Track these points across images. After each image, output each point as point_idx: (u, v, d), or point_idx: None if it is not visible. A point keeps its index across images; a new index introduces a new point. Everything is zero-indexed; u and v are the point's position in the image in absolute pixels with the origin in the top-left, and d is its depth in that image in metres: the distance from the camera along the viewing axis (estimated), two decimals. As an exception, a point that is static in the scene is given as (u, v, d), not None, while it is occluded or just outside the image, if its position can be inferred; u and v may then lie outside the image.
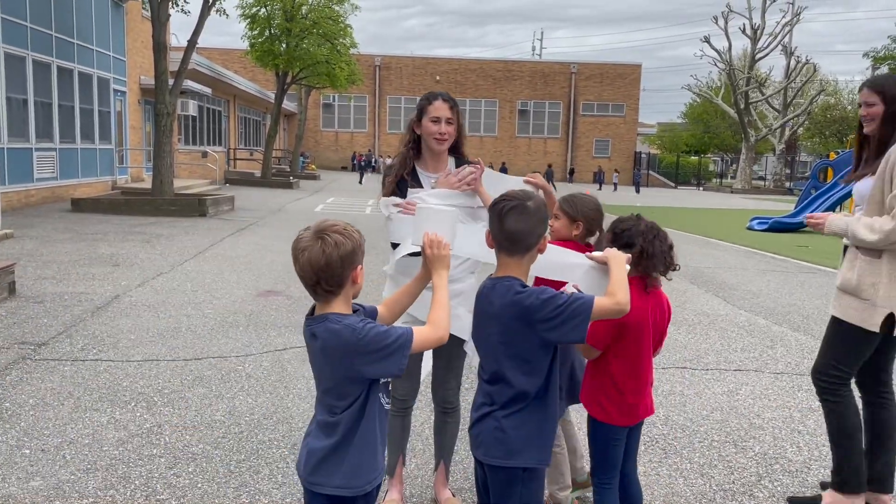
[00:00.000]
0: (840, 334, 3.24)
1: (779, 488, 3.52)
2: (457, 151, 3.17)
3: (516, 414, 2.19)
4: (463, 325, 3.05)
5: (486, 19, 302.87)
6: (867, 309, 3.09)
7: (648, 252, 2.53)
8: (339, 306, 2.01)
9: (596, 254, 2.39)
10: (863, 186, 3.31)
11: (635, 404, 2.62)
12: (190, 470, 3.47)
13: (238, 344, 5.64)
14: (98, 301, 6.85)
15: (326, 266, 1.94)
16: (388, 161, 3.28)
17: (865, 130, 3.35)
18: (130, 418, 4.08)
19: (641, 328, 2.58)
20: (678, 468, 3.71)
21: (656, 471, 3.68)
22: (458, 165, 3.14)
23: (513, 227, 2.17)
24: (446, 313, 2.11)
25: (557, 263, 2.42)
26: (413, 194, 2.99)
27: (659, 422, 4.34)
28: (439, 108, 3.03)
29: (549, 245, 2.35)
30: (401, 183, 3.04)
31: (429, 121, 3.03)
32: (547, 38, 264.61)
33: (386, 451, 3.24)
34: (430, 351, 3.11)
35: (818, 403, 4.71)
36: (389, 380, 2.15)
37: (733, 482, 3.57)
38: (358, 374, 1.99)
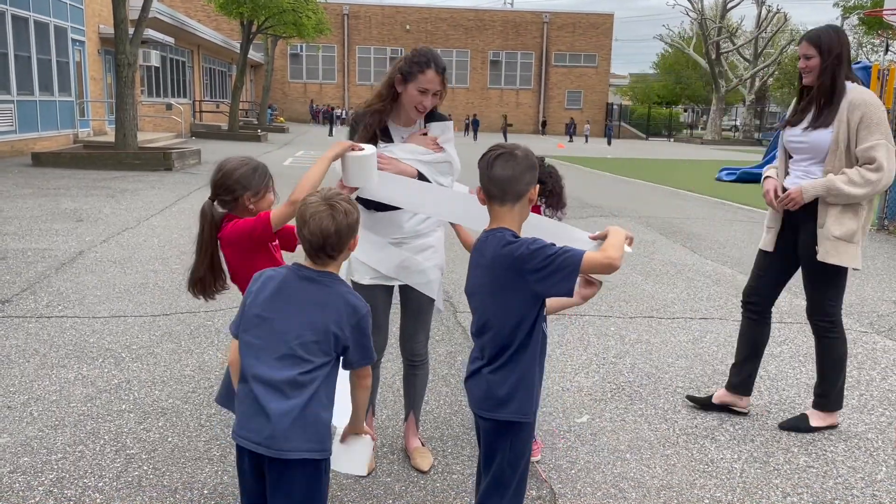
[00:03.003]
0: (837, 277, 3.57)
1: (739, 431, 3.63)
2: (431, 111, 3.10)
3: (502, 367, 2.20)
4: (431, 283, 3.06)
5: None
6: (856, 251, 3.48)
7: (555, 190, 2.85)
8: (333, 270, 2.14)
9: (598, 232, 2.37)
10: (819, 138, 3.40)
11: None
12: (160, 424, 3.47)
13: (207, 299, 5.59)
14: (62, 257, 6.73)
15: (335, 233, 2.06)
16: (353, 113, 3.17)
17: (805, 82, 3.54)
18: (98, 374, 4.05)
19: None
20: (643, 414, 3.80)
21: (622, 417, 3.76)
22: (427, 119, 3.08)
23: (500, 174, 2.16)
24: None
25: (560, 237, 2.40)
26: (383, 148, 2.94)
27: (625, 370, 4.42)
28: (431, 80, 2.84)
29: (551, 220, 2.38)
30: (371, 139, 2.97)
31: (416, 89, 2.85)
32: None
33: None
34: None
35: (779, 350, 4.86)
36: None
37: (696, 426, 3.67)
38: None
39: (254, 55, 36.86)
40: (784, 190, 3.57)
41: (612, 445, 3.44)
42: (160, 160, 14.64)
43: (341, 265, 2.20)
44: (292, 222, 2.35)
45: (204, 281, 2.68)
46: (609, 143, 39.61)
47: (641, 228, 9.69)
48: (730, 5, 45.60)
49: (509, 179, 2.16)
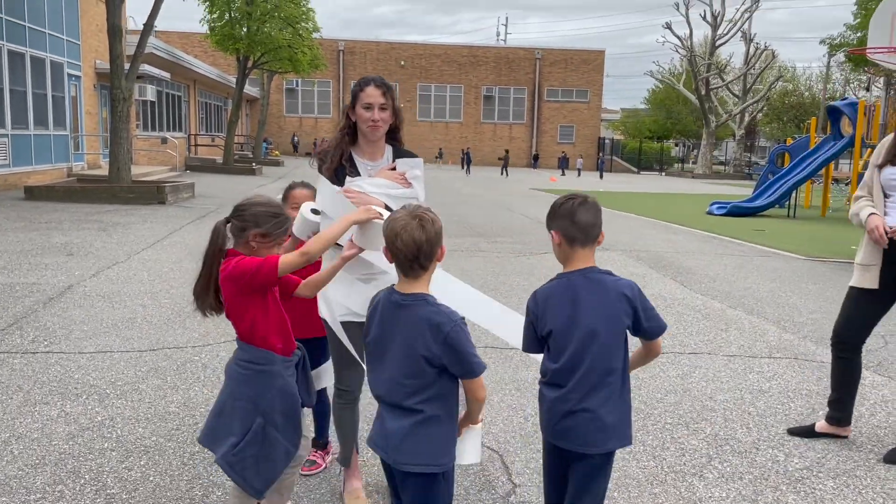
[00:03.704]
0: None
1: (728, 469, 3.60)
2: (394, 137, 3.14)
3: (609, 396, 2.39)
4: None
5: (458, 7, 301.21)
6: None
7: None
8: (426, 283, 2.27)
9: None
10: None
11: None
12: (142, 463, 3.43)
13: (195, 334, 5.57)
14: (50, 292, 6.70)
15: (427, 241, 2.19)
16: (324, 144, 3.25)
17: None
18: (81, 411, 4.01)
19: None
20: (631, 451, 3.77)
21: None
22: (395, 156, 3.12)
23: (585, 219, 2.40)
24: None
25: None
26: (351, 182, 2.97)
27: (614, 406, 4.40)
28: (371, 94, 2.97)
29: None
30: (338, 170, 3.01)
31: (361, 107, 2.97)
32: (515, 25, 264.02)
33: (340, 444, 3.25)
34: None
35: (768, 385, 4.85)
36: None
37: (684, 463, 3.65)
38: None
39: (249, 90, 37.23)
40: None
41: (600, 483, 3.40)
42: (153, 194, 14.68)
43: (429, 280, 2.29)
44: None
45: (200, 297, 2.65)
46: (601, 176, 39.91)
47: (632, 262, 9.72)
48: (718, 42, 46.35)
49: (592, 224, 2.41)
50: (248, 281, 2.49)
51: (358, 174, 3.02)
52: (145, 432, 3.77)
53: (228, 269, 2.53)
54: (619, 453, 3.71)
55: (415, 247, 2.17)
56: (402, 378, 2.21)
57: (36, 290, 6.73)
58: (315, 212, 2.92)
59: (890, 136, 3.86)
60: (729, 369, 5.19)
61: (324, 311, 3.03)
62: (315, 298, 2.95)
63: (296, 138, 49.88)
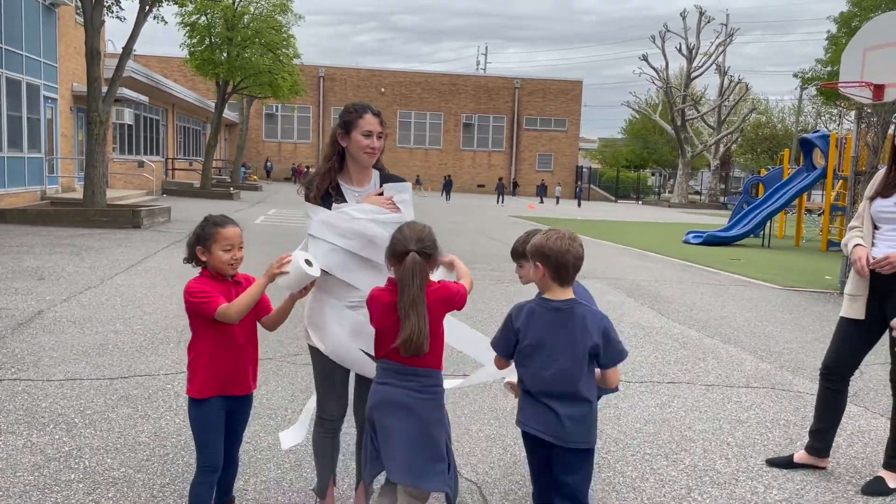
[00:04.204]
0: None
1: (707, 500, 3.57)
2: (377, 163, 3.14)
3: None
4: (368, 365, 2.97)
5: (439, 37, 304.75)
6: None
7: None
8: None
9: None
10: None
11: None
12: (110, 495, 3.32)
13: (168, 361, 5.46)
14: (19, 317, 6.55)
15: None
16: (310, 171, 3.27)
17: None
18: (48, 441, 3.89)
19: None
20: (610, 482, 3.74)
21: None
22: (382, 181, 3.11)
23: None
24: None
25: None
26: (338, 208, 2.96)
27: (593, 436, 4.36)
28: (371, 123, 2.97)
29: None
30: (325, 197, 2.99)
31: (360, 134, 2.96)
32: (495, 54, 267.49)
33: (316, 473, 3.18)
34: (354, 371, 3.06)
35: (746, 415, 4.85)
36: None
37: (664, 495, 3.61)
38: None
39: (229, 114, 37.15)
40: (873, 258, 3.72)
41: (579, 516, 3.35)
42: (128, 218, 14.51)
43: None
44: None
45: (424, 337, 2.61)
46: (579, 204, 40.24)
47: (610, 290, 9.75)
48: (694, 74, 47.26)
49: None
50: (454, 303, 2.67)
51: (345, 201, 3.00)
52: (114, 463, 3.66)
53: (440, 292, 2.64)
54: (599, 484, 3.69)
55: (581, 259, 2.65)
56: (571, 369, 2.61)
57: (4, 316, 6.57)
58: (308, 262, 2.81)
59: (882, 170, 3.93)
60: (707, 399, 5.19)
61: (314, 340, 2.99)
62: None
63: (269, 164, 49.81)
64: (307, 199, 3.02)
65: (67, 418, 4.23)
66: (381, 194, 3.05)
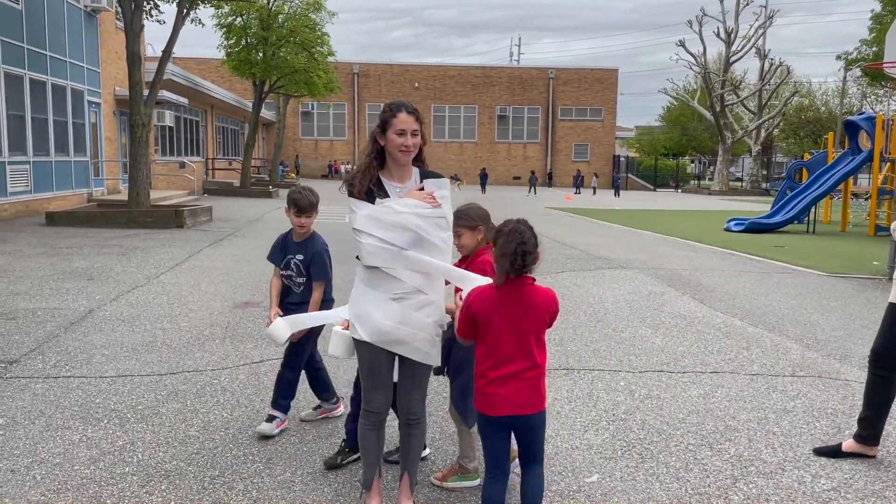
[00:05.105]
0: None
1: (753, 490, 3.54)
2: (418, 158, 3.18)
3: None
4: (429, 352, 3.06)
5: (472, 30, 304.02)
6: None
7: (498, 251, 2.80)
8: None
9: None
10: None
11: (493, 394, 2.77)
12: (163, 488, 3.43)
13: (214, 357, 5.59)
14: (71, 316, 6.76)
15: None
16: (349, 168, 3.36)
17: None
18: (102, 436, 4.02)
19: (489, 320, 2.79)
20: (654, 473, 3.72)
21: (633, 476, 3.68)
22: (423, 177, 3.16)
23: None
24: None
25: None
26: (381, 203, 3.02)
27: (636, 426, 4.35)
28: (404, 121, 3.01)
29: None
30: (368, 193, 3.05)
31: (394, 133, 3.01)
32: (527, 45, 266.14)
33: (362, 465, 3.24)
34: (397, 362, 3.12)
35: (792, 404, 4.78)
36: None
37: (708, 485, 3.59)
38: None
39: (266, 113, 37.63)
40: None
41: (623, 506, 3.36)
42: (172, 218, 14.82)
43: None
44: None
45: None
46: (617, 194, 39.78)
47: (650, 280, 9.66)
48: (733, 59, 46.31)
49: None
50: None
51: (387, 196, 3.05)
52: (166, 456, 3.77)
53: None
54: (642, 475, 3.68)
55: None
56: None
57: (57, 315, 6.79)
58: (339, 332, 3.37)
59: None
60: (752, 388, 5.12)
61: (359, 332, 3.04)
62: None
63: (298, 161, 50.08)
64: (351, 194, 3.08)
65: (120, 413, 4.36)
66: (422, 189, 3.10)
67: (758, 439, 4.19)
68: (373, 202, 3.04)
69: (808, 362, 5.82)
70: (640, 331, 6.78)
